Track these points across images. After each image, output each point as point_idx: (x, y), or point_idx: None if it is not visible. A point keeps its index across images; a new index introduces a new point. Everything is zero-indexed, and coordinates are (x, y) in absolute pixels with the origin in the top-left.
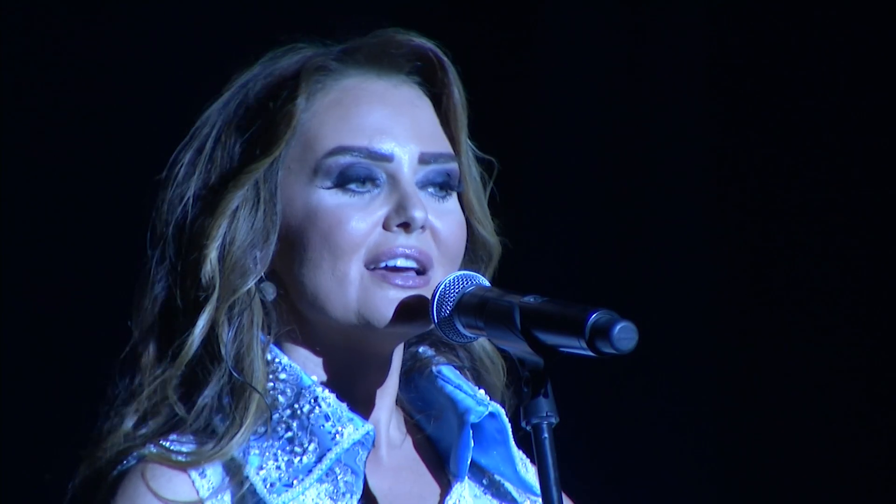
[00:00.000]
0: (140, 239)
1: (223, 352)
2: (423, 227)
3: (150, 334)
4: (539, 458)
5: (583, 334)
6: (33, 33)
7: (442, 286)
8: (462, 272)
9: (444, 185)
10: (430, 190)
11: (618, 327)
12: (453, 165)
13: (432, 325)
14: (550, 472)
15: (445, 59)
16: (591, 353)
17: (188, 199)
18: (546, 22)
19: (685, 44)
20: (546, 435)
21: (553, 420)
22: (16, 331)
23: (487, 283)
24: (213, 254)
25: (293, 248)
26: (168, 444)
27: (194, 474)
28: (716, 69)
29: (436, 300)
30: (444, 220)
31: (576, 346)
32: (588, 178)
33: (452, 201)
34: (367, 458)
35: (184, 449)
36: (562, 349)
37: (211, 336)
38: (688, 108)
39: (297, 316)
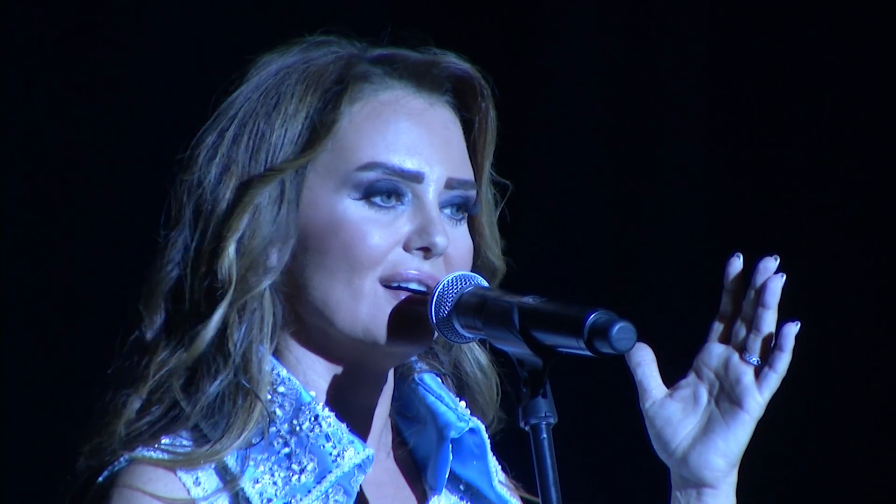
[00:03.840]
0: (139, 239)
1: (232, 350)
2: (440, 254)
3: (158, 316)
4: (538, 458)
5: (581, 334)
6: (34, 32)
7: (440, 286)
8: (461, 272)
9: (461, 208)
10: (447, 212)
11: (616, 327)
12: (473, 193)
13: (431, 345)
14: (549, 472)
15: (486, 87)
16: (589, 354)
17: (208, 183)
18: (546, 21)
19: (685, 43)
20: (545, 435)
21: (552, 420)
22: (17, 331)
23: (486, 284)
24: (231, 247)
25: (310, 252)
26: (160, 446)
27: (188, 480)
28: (716, 68)
29: (434, 300)
30: (456, 245)
31: (574, 347)
32: (588, 177)
33: (464, 225)
34: (362, 480)
35: (176, 451)
36: (560, 349)
37: (222, 332)
38: (688, 107)
39: (298, 319)
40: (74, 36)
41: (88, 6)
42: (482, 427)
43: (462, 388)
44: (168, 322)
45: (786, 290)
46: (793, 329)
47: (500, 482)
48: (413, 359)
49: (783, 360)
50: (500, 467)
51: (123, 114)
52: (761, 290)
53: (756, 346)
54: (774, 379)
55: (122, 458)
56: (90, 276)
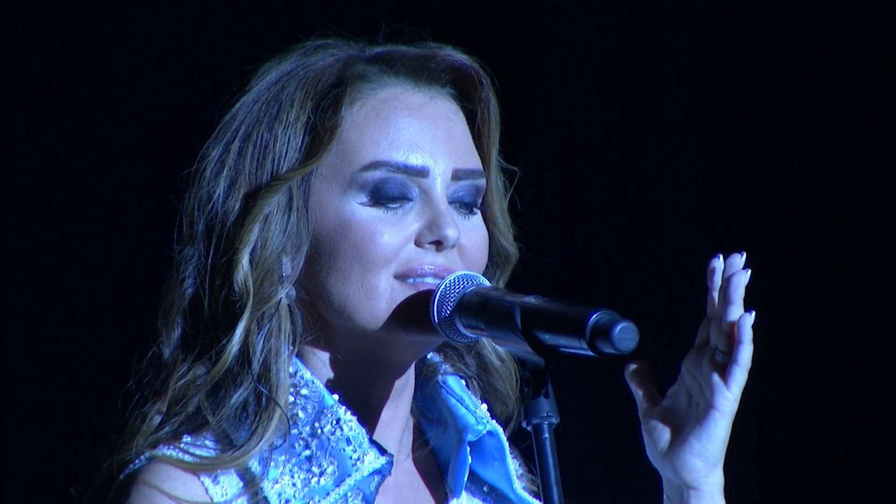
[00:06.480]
0: (144, 241)
1: (252, 360)
2: (452, 245)
3: (176, 331)
4: (539, 457)
5: (583, 335)
6: (37, 33)
7: (442, 286)
8: (463, 272)
9: (472, 202)
10: (457, 203)
11: (618, 328)
12: (482, 182)
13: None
14: (551, 471)
15: (484, 76)
16: (591, 354)
17: (217, 197)
18: (545, 20)
19: (685, 43)
20: (547, 435)
21: (553, 420)
22: (21, 333)
23: (488, 284)
24: (244, 258)
25: (322, 256)
26: (181, 445)
27: (206, 480)
28: (716, 69)
29: (436, 300)
30: (470, 236)
31: (577, 347)
32: (588, 177)
33: (477, 215)
34: (380, 484)
35: (198, 452)
36: (563, 349)
37: (243, 343)
38: (687, 107)
39: (320, 321)
40: (72, 47)
41: (81, 18)
42: (500, 430)
43: (486, 389)
44: (185, 337)
45: (787, 290)
46: (748, 319)
47: (521, 486)
48: (438, 360)
49: (743, 352)
50: (518, 468)
51: (134, 127)
52: (725, 287)
53: (722, 342)
54: (738, 372)
55: (142, 456)
56: (102, 287)
